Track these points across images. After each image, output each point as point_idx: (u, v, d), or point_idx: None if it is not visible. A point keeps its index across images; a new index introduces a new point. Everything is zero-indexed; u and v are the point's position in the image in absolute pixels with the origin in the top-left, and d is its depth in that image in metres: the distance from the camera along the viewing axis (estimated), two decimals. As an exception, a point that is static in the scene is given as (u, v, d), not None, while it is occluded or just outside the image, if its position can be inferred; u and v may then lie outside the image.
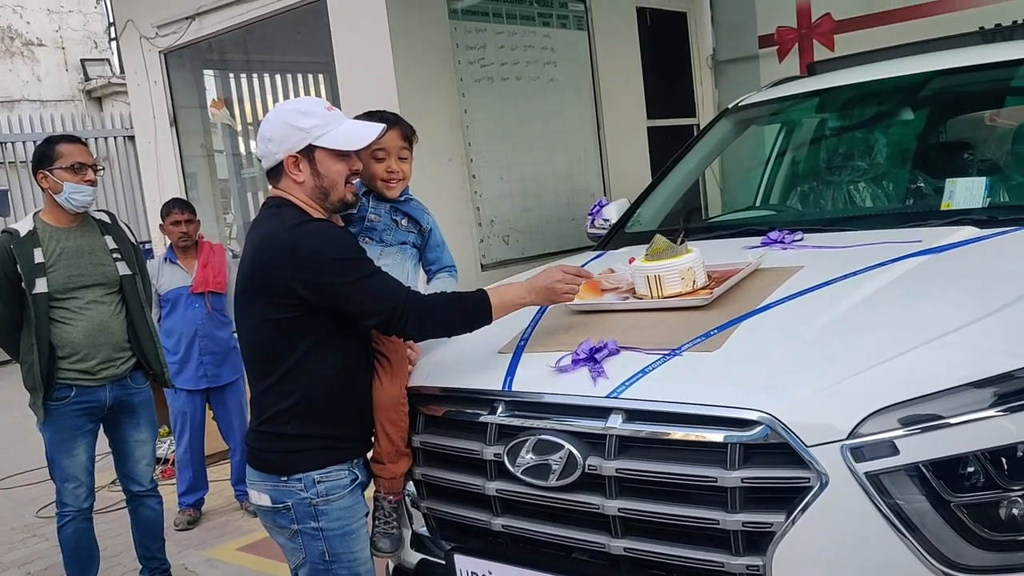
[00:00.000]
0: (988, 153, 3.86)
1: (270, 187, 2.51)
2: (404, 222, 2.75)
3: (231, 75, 8.19)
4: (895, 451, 1.84)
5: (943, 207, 2.93)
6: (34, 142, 13.54)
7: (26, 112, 14.13)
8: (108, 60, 16.06)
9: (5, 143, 13.38)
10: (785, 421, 1.90)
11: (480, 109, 5.94)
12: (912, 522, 1.83)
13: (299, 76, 8.66)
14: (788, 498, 1.90)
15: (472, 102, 5.89)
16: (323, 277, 2.28)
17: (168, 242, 5.27)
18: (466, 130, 5.84)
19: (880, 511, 1.83)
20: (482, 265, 5.86)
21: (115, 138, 13.96)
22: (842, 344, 2.08)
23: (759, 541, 1.93)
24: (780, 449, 1.91)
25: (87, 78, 15.74)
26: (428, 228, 2.81)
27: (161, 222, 5.25)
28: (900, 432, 1.85)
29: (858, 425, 1.86)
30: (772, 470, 1.92)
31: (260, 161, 2.51)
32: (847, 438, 1.86)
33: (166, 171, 7.24)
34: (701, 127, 7.45)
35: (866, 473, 1.84)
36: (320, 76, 8.68)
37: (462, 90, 5.83)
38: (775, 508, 1.92)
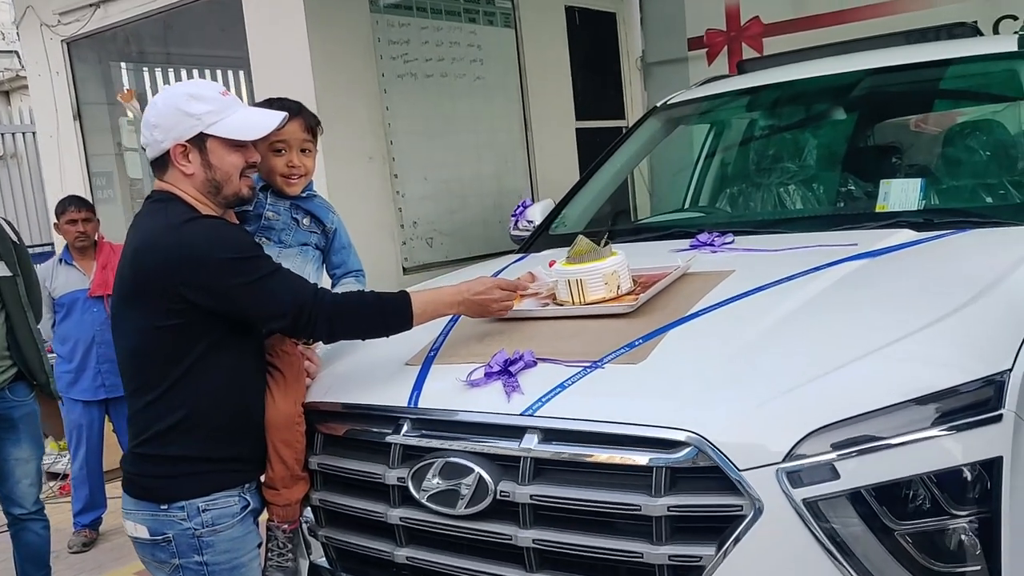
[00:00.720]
0: (919, 157, 3.77)
1: (155, 180, 2.25)
2: (306, 221, 2.51)
3: (144, 68, 7.80)
4: (835, 475, 1.67)
5: (878, 209, 2.80)
6: (-64, 137, 12.89)
7: (-72, 105, 13.39)
8: (16, 52, 15.33)
9: (-96, 138, 12.65)
10: (715, 442, 1.72)
11: (403, 107, 5.70)
12: (854, 553, 1.67)
13: (216, 71, 8.30)
14: (719, 528, 1.72)
15: (394, 99, 5.64)
16: (216, 279, 2.04)
17: (63, 242, 4.92)
18: (388, 128, 5.58)
19: (819, 541, 1.67)
20: (404, 268, 5.61)
21: (23, 134, 13.30)
22: (777, 356, 1.91)
23: (687, 576, 1.75)
24: (710, 473, 1.73)
25: (-6, 71, 15.01)
26: (333, 228, 2.57)
27: (56, 221, 4.89)
28: (840, 454, 1.68)
29: (795, 446, 1.69)
30: (701, 497, 1.74)
31: (144, 150, 2.25)
32: (783, 461, 1.69)
33: (70, 168, 6.83)
34: (625, 133, 7.36)
35: (804, 500, 1.67)
36: (239, 72, 8.34)
37: (384, 86, 5.57)
38: (704, 539, 1.73)
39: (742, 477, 1.69)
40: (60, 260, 4.86)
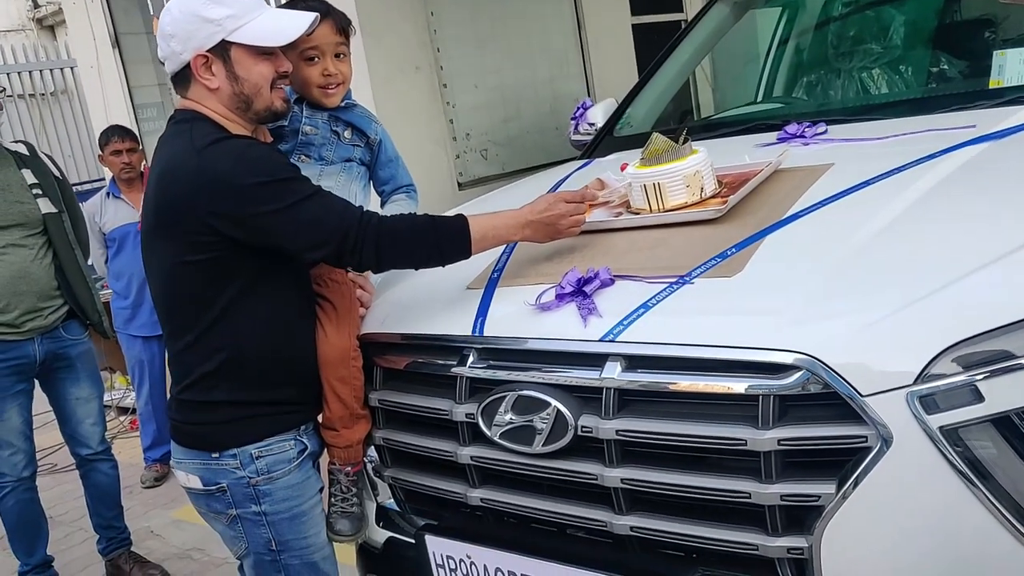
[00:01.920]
0: (1019, 29, 3.37)
1: (176, 97, 2.03)
2: (347, 134, 2.26)
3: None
4: (979, 398, 1.41)
5: (992, 85, 2.45)
6: (-15, 76, 12.88)
7: (-26, 45, 13.35)
8: (58, -15, 15.18)
9: (-46, 79, 12.66)
10: (831, 364, 1.47)
11: (448, 11, 5.37)
12: (1003, 487, 1.41)
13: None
14: (839, 463, 1.49)
15: (439, 4, 5.32)
16: (245, 207, 1.82)
17: (111, 175, 4.77)
18: (434, 35, 5.27)
19: (961, 475, 1.42)
20: (459, 184, 5.37)
21: (72, 68, 13.22)
22: (895, 262, 1.63)
23: (803, 518, 1.52)
24: (827, 400, 1.49)
25: (36, 5, 14.87)
26: (377, 140, 2.32)
27: (100, 153, 4.74)
28: (983, 373, 1.42)
29: (927, 366, 1.43)
30: (817, 428, 1.50)
31: (163, 64, 2.02)
32: (914, 383, 1.43)
33: (114, 100, 6.66)
34: (689, 23, 6.92)
35: (941, 428, 1.42)
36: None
37: (427, -10, 5.26)
38: (822, 476, 1.50)
39: (866, 403, 1.44)
40: (108, 193, 4.73)
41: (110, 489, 3.72)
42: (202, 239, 1.85)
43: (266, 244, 1.87)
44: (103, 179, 7.73)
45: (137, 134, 5.06)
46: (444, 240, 1.93)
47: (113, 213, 4.66)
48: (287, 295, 1.99)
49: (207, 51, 1.90)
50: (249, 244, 1.87)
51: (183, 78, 1.96)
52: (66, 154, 13.41)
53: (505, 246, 2.11)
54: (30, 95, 13.42)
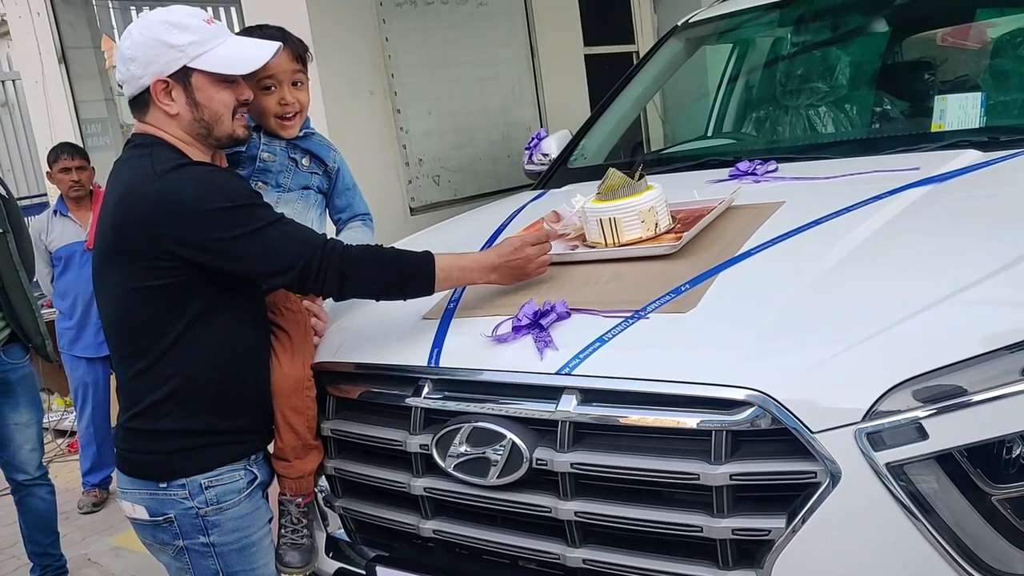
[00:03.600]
0: (960, 71, 3.49)
1: (125, 114, 1.99)
2: (305, 161, 2.26)
3: (131, 7, 7.46)
4: (923, 435, 1.45)
5: (933, 128, 2.54)
6: (-78, 87, 12.55)
7: (-87, 55, 13.02)
8: (2, -3, 14.87)
9: None
10: (782, 400, 1.51)
11: (403, 37, 5.39)
12: (946, 522, 1.45)
13: (206, 6, 7.94)
14: (790, 498, 1.51)
15: (394, 29, 5.33)
16: (209, 233, 1.80)
17: (58, 193, 4.68)
18: (388, 60, 5.28)
19: (906, 510, 1.45)
20: (411, 209, 5.36)
21: (13, 81, 12.96)
22: (844, 300, 1.68)
23: (754, 552, 1.55)
24: (778, 436, 1.52)
25: (-20, 17, 14.56)
26: (335, 168, 2.32)
27: (48, 170, 4.65)
28: (928, 411, 1.46)
29: (875, 403, 1.47)
30: (768, 463, 1.53)
31: (121, 87, 1.99)
32: (863, 420, 1.47)
33: (58, 115, 6.53)
34: (641, 54, 7.02)
35: (888, 464, 1.45)
36: (230, 7, 7.98)
37: (382, 16, 5.25)
38: (773, 511, 1.53)
39: (815, 440, 1.48)
40: (55, 212, 4.64)
41: (47, 515, 3.62)
42: (161, 264, 1.82)
43: (229, 269, 1.86)
44: (45, 194, 7.57)
45: (85, 150, 4.97)
46: (408, 275, 1.93)
47: (60, 232, 4.57)
48: (242, 324, 1.97)
49: (168, 76, 1.88)
50: (211, 269, 1.84)
51: (142, 102, 1.93)
52: (6, 168, 13.11)
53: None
54: (-30, 107, 13.10)
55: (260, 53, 1.96)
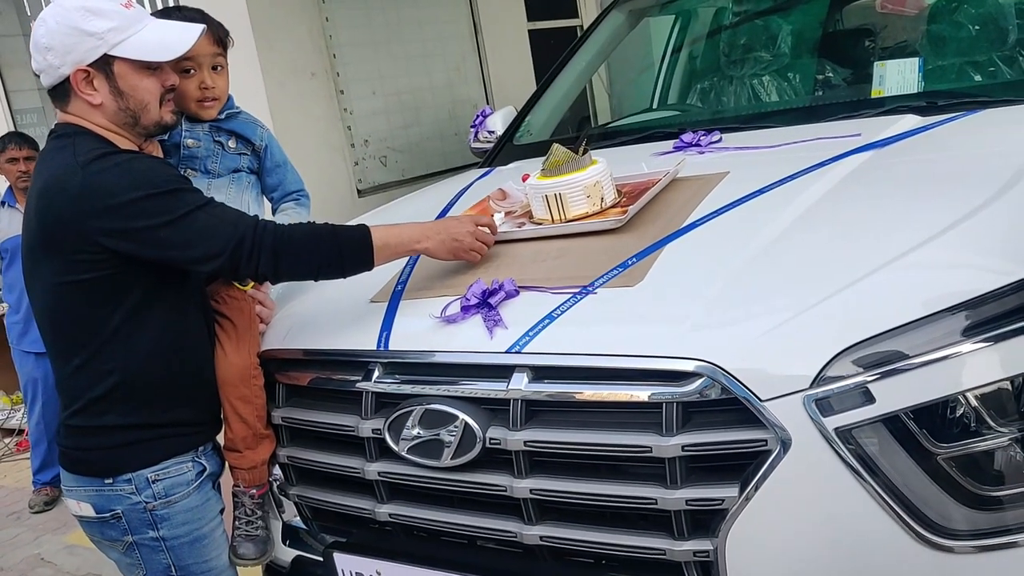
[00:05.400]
0: (898, 37, 3.53)
1: (56, 112, 1.94)
2: (231, 143, 2.21)
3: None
4: (870, 399, 1.47)
5: (874, 94, 2.56)
6: None
7: None
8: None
9: None
10: (731, 370, 1.51)
11: (344, 16, 5.32)
12: (894, 483, 1.47)
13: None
14: (741, 467, 1.53)
15: (334, 9, 5.26)
16: (138, 221, 1.75)
17: (7, 184, 4.56)
18: (329, 40, 5.21)
19: (855, 473, 1.47)
20: (359, 191, 5.31)
21: (-57, 72, 12.55)
22: (789, 269, 1.69)
23: (708, 521, 1.56)
24: (727, 406, 1.53)
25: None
26: (263, 145, 2.26)
27: None
28: (873, 375, 1.48)
29: (823, 369, 1.49)
30: (719, 433, 1.54)
31: (38, 77, 1.93)
32: (811, 387, 1.48)
33: (-11, 105, 6.37)
34: (585, 28, 7.00)
35: (836, 429, 1.47)
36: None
37: (322, -6, 5.18)
38: (725, 480, 1.54)
39: (764, 408, 1.49)
40: (3, 203, 4.54)
41: None
42: (89, 257, 1.77)
43: (159, 258, 1.81)
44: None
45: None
46: (345, 248, 1.88)
47: (7, 223, 4.45)
48: (181, 314, 1.92)
49: (88, 65, 1.82)
50: (141, 259, 1.80)
51: (62, 92, 1.86)
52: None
53: (408, 258, 2.09)
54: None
55: (184, 37, 1.91)
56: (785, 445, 1.48)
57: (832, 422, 1.47)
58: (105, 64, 1.83)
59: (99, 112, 1.86)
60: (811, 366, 1.49)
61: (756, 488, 1.50)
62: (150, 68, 1.87)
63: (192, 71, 2.09)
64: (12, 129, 6.32)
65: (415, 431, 1.78)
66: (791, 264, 1.70)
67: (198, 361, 1.96)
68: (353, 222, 2.03)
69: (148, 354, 1.86)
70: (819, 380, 1.48)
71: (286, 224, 1.89)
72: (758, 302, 1.62)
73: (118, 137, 1.87)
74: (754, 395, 1.49)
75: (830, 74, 3.15)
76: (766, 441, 1.50)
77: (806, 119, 2.53)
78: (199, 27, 1.93)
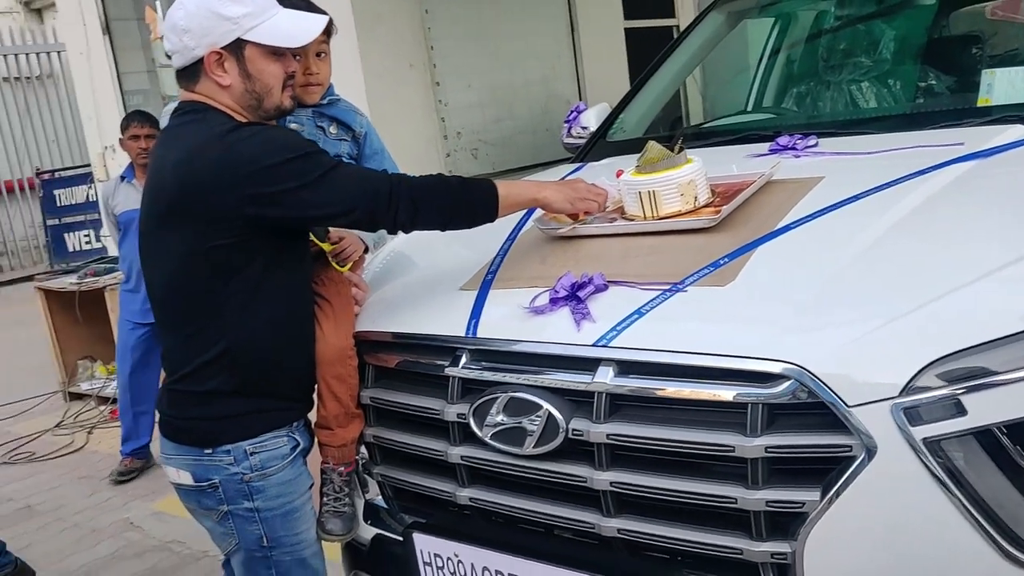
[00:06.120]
0: (1009, 46, 3.42)
1: (181, 91, 2.03)
2: (333, 129, 2.28)
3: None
4: (962, 411, 1.45)
5: (980, 103, 2.50)
6: (-29, 59, 12.78)
7: (-39, 26, 13.23)
8: (46, -31, 15.03)
9: (-60, 61, 12.56)
10: (819, 374, 1.51)
11: (444, 9, 5.39)
12: (983, 499, 1.45)
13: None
14: (824, 471, 1.52)
15: (434, 1, 5.34)
16: (279, 185, 1.83)
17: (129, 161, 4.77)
18: (428, 32, 5.29)
19: (943, 486, 1.45)
20: (449, 182, 5.38)
21: (58, 53, 13.14)
22: (883, 276, 1.67)
23: (787, 524, 1.56)
24: (814, 410, 1.52)
25: (25, -11, 14.76)
26: (362, 132, 2.33)
27: (120, 136, 4.73)
28: (966, 387, 1.46)
29: (913, 379, 1.47)
30: (804, 436, 1.53)
31: (170, 58, 2.02)
32: (900, 395, 1.46)
33: (101, 87, 6.63)
34: (681, 28, 6.95)
35: (924, 439, 1.45)
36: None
37: (422, -13, 5.27)
38: (808, 483, 1.53)
39: (851, 414, 1.48)
40: (122, 178, 4.74)
41: None
42: (224, 225, 1.85)
43: (300, 217, 1.90)
44: (88, 165, 7.69)
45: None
46: (476, 199, 1.98)
47: (124, 197, 4.66)
48: (291, 291, 2.00)
49: (221, 48, 1.91)
50: (280, 224, 1.89)
51: (192, 72, 1.96)
52: (50, 139, 13.34)
53: (499, 248, 2.14)
54: (15, 78, 13.30)
55: (312, 26, 1.99)
56: (870, 452, 1.47)
57: (920, 432, 1.45)
58: (237, 48, 1.92)
59: (226, 93, 1.94)
60: (901, 375, 1.47)
61: (838, 494, 1.49)
62: (276, 54, 1.96)
63: (298, 56, 2.16)
64: (121, 104, 6.60)
65: (499, 418, 1.81)
66: (884, 272, 1.68)
67: (303, 336, 2.04)
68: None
69: (259, 324, 1.93)
70: (909, 389, 1.46)
71: (417, 176, 1.97)
72: (849, 308, 1.61)
73: (240, 117, 1.96)
74: (841, 400, 1.48)
75: (933, 81, 3.07)
76: (851, 447, 1.49)
77: (906, 126, 2.48)
78: (324, 17, 2.01)
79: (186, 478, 2.00)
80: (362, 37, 4.75)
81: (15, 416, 6.13)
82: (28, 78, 13.38)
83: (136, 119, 4.65)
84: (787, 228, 1.88)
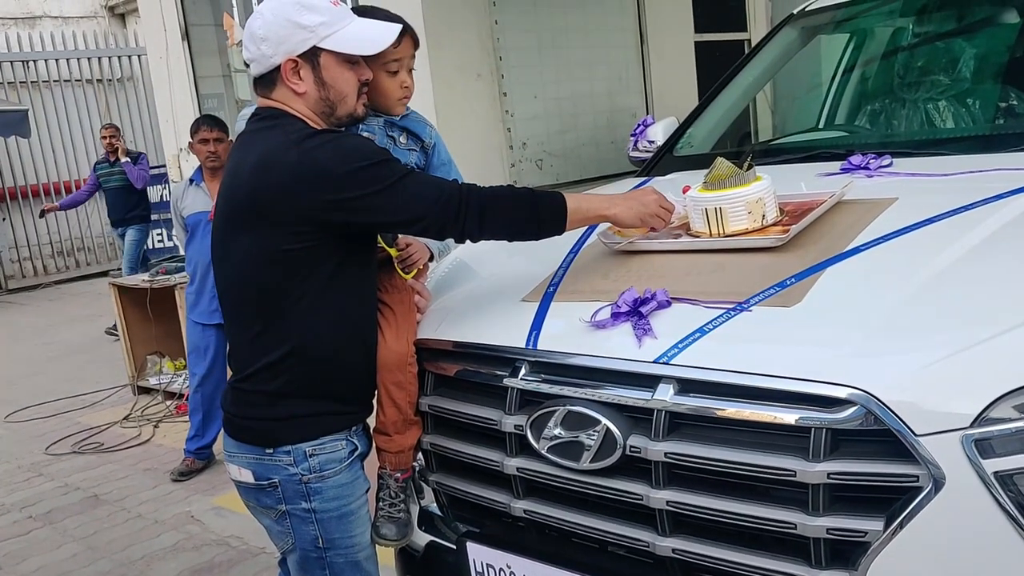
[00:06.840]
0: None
1: (256, 96, 2.07)
2: (403, 139, 2.30)
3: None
4: (1037, 445, 1.40)
5: (1064, 127, 2.42)
6: (56, 60, 13.24)
7: (47, 29, 13.70)
8: (130, -25, 15.50)
9: (27, 61, 13.02)
10: (887, 401, 1.47)
11: (512, 20, 5.42)
12: (1056, 538, 1.40)
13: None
14: (888, 500, 1.48)
15: (504, 12, 5.37)
16: (353, 191, 1.87)
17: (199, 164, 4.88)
18: (497, 43, 5.32)
19: (1014, 523, 1.40)
20: (513, 192, 5.40)
21: (139, 56, 13.53)
22: (956, 302, 1.63)
23: (848, 553, 1.52)
24: (880, 437, 1.49)
25: (109, -6, 15.25)
26: (432, 143, 2.36)
27: (190, 140, 4.85)
28: (1044, 421, 1.41)
29: (986, 409, 1.42)
30: (868, 464, 1.50)
31: (247, 66, 2.07)
32: (971, 426, 1.42)
33: (179, 90, 6.82)
34: (753, 43, 6.87)
35: (996, 473, 1.41)
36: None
37: (493, -2, 5.30)
38: (871, 512, 1.50)
39: (919, 443, 1.44)
40: (191, 180, 4.85)
41: None
42: (298, 229, 1.89)
43: (371, 223, 1.95)
44: (162, 165, 7.90)
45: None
46: (544, 211, 1.98)
47: (192, 200, 4.76)
48: (357, 295, 2.02)
49: (297, 56, 1.95)
50: (352, 228, 1.92)
51: (269, 80, 2.00)
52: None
53: (562, 262, 2.13)
54: (97, 80, 13.74)
55: (385, 36, 2.02)
56: (938, 484, 1.43)
57: (992, 465, 1.41)
58: (313, 56, 1.95)
59: (301, 100, 1.98)
60: (973, 405, 1.43)
61: (902, 525, 1.46)
62: (351, 62, 1.99)
63: (396, 70, 2.17)
64: (197, 107, 6.76)
65: (556, 431, 1.81)
66: (957, 298, 1.63)
67: (366, 341, 2.06)
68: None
69: (325, 327, 1.96)
70: (981, 420, 1.42)
71: (489, 186, 1.98)
72: (920, 335, 1.57)
73: (315, 124, 1.99)
74: (909, 429, 1.45)
75: (1015, 102, 2.99)
76: (918, 477, 1.45)
77: (985, 148, 2.41)
78: (397, 27, 2.04)
79: (247, 476, 2.03)
80: (431, 46, 4.80)
81: (86, 407, 6.32)
82: (110, 80, 13.81)
83: (205, 123, 4.75)
84: (857, 250, 1.84)
